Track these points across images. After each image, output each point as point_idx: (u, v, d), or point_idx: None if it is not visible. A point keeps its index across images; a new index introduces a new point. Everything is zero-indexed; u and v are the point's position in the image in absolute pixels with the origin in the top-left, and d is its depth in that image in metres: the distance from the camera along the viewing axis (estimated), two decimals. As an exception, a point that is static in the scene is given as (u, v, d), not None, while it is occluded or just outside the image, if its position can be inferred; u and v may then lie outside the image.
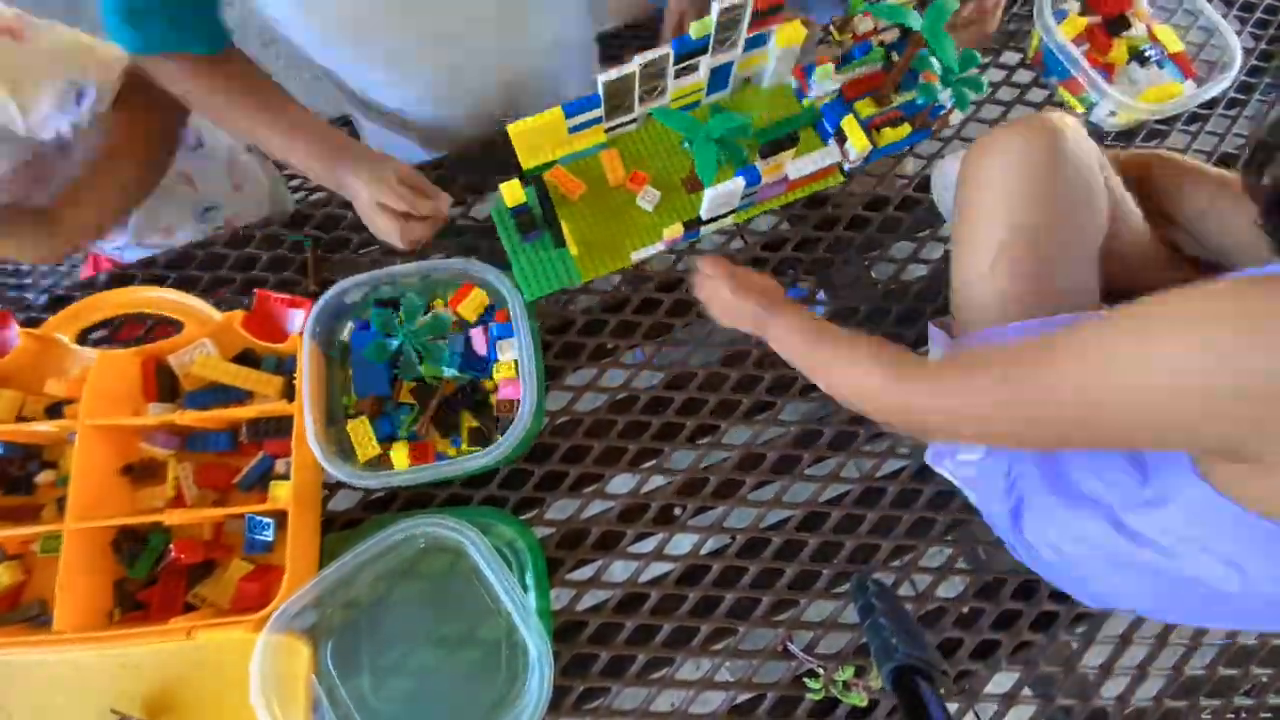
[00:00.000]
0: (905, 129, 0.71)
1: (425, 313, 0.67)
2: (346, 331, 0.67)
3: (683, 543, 0.63)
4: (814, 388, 0.67)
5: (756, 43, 0.69)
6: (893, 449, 0.66)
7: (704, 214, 0.67)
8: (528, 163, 0.70)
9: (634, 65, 0.62)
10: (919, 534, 0.63)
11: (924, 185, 0.75)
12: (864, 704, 0.58)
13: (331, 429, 0.62)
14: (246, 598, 0.59)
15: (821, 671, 0.58)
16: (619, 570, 0.63)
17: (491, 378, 0.65)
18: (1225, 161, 0.76)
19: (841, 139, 0.70)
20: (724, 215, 0.70)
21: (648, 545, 0.63)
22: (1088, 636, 0.61)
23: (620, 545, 0.63)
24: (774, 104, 0.75)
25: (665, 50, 0.63)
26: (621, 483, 0.65)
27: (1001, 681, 0.60)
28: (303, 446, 0.59)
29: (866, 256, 0.72)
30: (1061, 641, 0.61)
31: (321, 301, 0.63)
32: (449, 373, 0.65)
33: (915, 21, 0.62)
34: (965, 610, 0.62)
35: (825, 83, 0.72)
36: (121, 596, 0.59)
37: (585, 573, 0.63)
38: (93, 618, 0.58)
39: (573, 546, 0.63)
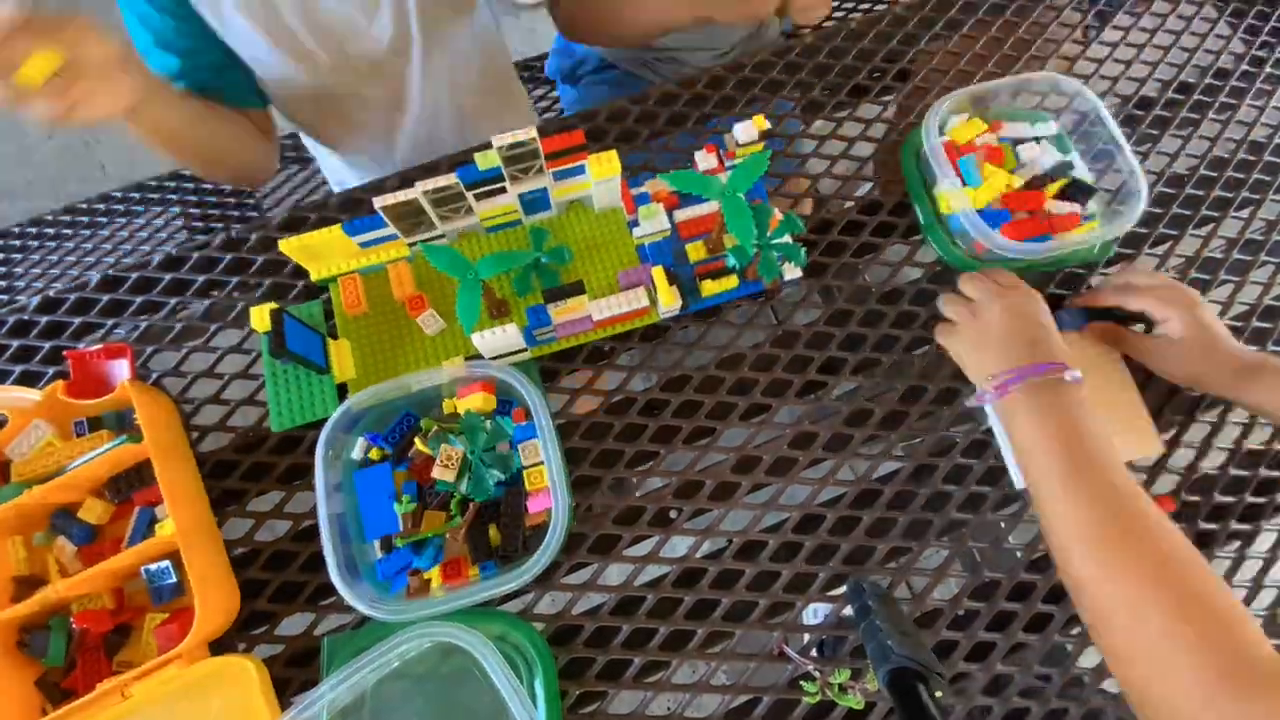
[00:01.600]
0: (732, 281, 0.68)
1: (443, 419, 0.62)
2: (358, 448, 0.62)
3: (679, 545, 0.63)
4: (810, 390, 0.68)
5: (576, 171, 0.66)
6: (888, 451, 0.66)
7: (484, 354, 0.63)
8: (317, 273, 0.67)
9: (415, 191, 0.59)
10: (915, 536, 0.63)
11: (919, 189, 0.75)
12: (860, 706, 0.58)
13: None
14: (170, 641, 0.56)
15: (818, 674, 0.58)
16: (615, 573, 0.63)
17: (522, 486, 0.61)
18: (1215, 165, 0.77)
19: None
20: (515, 353, 0.65)
21: (644, 548, 0.63)
22: (1082, 638, 0.61)
23: (616, 548, 0.63)
24: (605, 227, 0.71)
25: (451, 179, 0.60)
26: (618, 485, 0.65)
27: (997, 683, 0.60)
28: (169, 483, 0.57)
29: (861, 259, 0.72)
30: (1056, 643, 0.61)
31: (332, 420, 0.59)
32: (496, 492, 0.60)
33: (715, 191, 0.59)
34: (960, 612, 0.62)
35: (652, 222, 0.69)
36: (48, 691, 0.57)
37: (581, 576, 0.63)
38: None
39: (568, 550, 0.63)
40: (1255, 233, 0.74)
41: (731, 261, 0.67)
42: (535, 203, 0.69)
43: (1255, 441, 0.67)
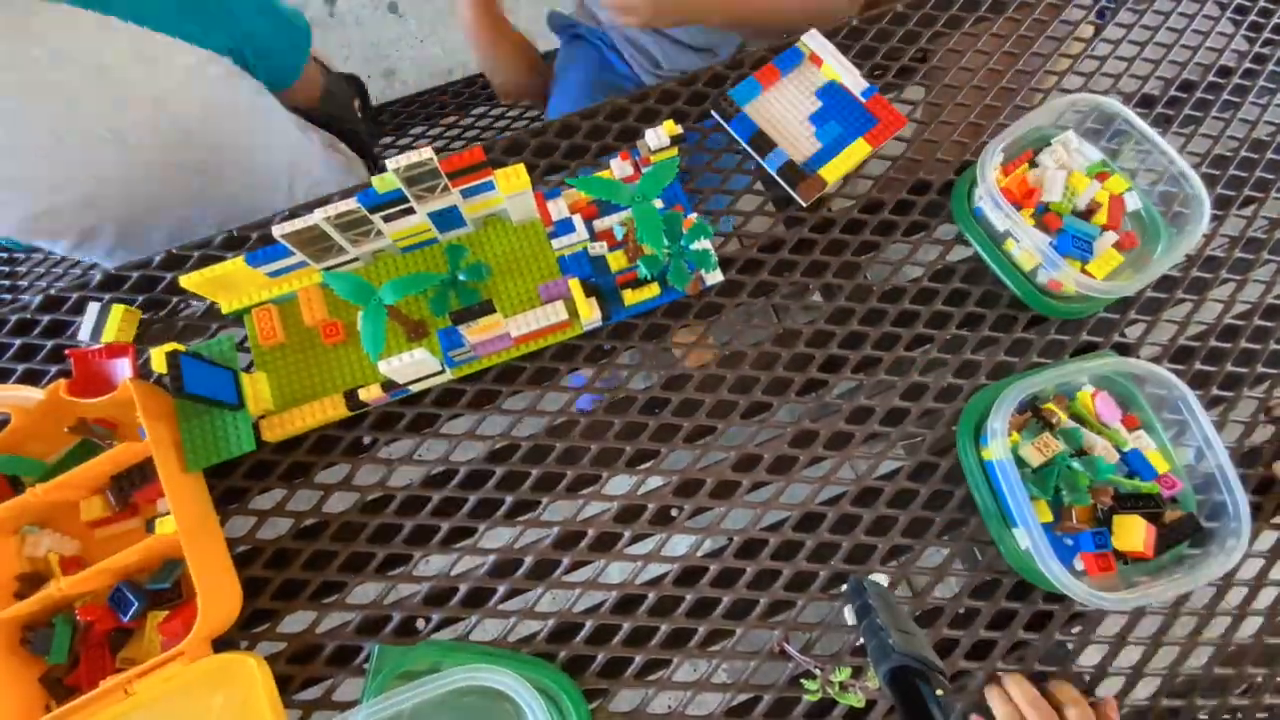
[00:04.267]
0: (654, 289, 0.67)
1: None
2: None
3: (679, 544, 0.63)
4: (811, 388, 0.68)
5: (486, 187, 0.64)
6: (887, 451, 0.66)
7: (397, 380, 0.62)
8: (228, 305, 0.66)
9: (316, 217, 0.58)
10: (915, 534, 0.63)
11: (920, 188, 0.75)
12: (861, 704, 0.58)
13: None
14: (172, 638, 0.57)
15: (818, 672, 0.59)
16: (615, 571, 0.63)
17: None
18: (1218, 163, 0.76)
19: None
20: (433, 375, 0.63)
21: (645, 546, 0.63)
22: (1083, 637, 0.61)
23: (617, 547, 0.63)
24: (525, 240, 0.69)
25: (351, 204, 0.58)
26: (618, 484, 0.65)
27: (997, 682, 0.60)
28: (170, 481, 0.57)
29: (862, 258, 0.72)
30: (1057, 642, 0.61)
31: None
32: None
33: (624, 197, 0.59)
34: (961, 610, 0.62)
35: (573, 235, 0.68)
36: (52, 688, 0.57)
37: (582, 574, 0.63)
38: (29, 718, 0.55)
39: (570, 548, 0.63)
40: (1258, 231, 0.74)
41: (644, 271, 0.66)
42: (448, 220, 0.66)
43: (1255, 440, 0.67)
